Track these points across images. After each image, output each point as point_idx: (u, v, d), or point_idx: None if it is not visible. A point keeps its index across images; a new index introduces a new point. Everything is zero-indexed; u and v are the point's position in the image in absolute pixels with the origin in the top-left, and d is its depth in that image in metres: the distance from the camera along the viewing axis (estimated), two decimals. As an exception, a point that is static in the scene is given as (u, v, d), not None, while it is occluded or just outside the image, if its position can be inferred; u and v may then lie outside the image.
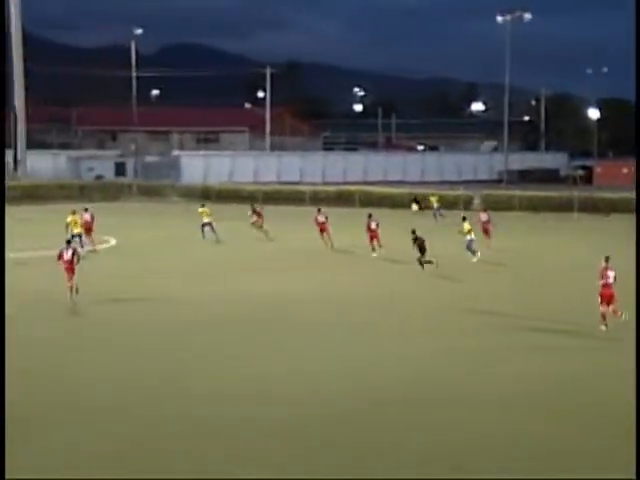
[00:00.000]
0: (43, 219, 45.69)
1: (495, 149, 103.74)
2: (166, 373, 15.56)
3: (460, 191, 55.86)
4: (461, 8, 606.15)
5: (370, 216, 32.12)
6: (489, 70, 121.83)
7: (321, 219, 33.45)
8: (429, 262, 27.14)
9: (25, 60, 66.88)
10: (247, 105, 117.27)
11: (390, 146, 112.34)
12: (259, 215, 37.49)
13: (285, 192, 60.42)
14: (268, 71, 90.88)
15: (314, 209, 36.27)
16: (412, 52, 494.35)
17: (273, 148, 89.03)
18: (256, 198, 58.37)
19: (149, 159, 78.25)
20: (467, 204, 53.19)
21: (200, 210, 36.47)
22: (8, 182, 62.81)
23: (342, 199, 56.12)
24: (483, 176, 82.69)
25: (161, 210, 55.15)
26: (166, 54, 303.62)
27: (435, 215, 45.57)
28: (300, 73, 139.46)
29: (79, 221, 32.12)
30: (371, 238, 31.35)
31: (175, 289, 24.39)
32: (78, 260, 22.54)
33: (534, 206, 52.10)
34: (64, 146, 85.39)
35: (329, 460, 11.34)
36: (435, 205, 46.89)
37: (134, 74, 76.20)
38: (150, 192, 64.46)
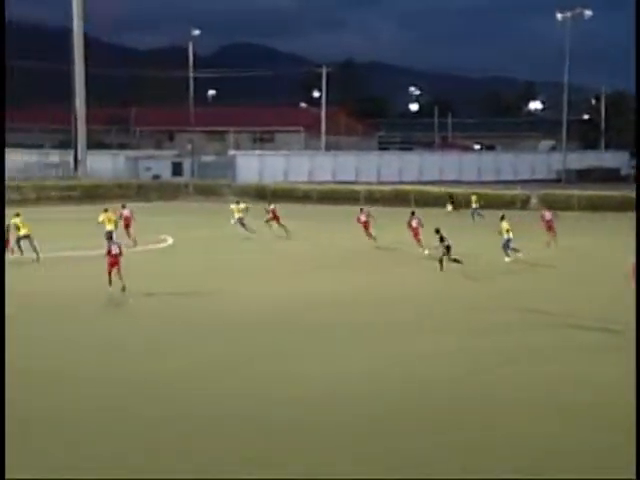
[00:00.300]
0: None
1: (553, 148, 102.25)
2: (201, 371, 15.61)
3: (517, 191, 55.21)
4: (518, 6, 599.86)
5: (413, 214, 32.48)
6: (547, 68, 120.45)
7: (363, 218, 34.13)
8: (455, 260, 27.02)
9: (86, 62, 67.98)
10: (302, 105, 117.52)
11: (446, 145, 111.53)
12: (274, 215, 37.72)
13: (340, 192, 60.35)
14: (324, 70, 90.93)
15: (369, 209, 36.49)
16: (468, 51, 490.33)
17: (328, 147, 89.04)
18: (311, 197, 58.48)
19: (205, 159, 78.90)
20: (524, 204, 52.57)
21: (233, 207, 36.86)
22: (69, 182, 64.11)
23: (397, 199, 55.82)
24: (540, 176, 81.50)
25: (217, 209, 55.34)
26: (223, 54, 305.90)
27: (473, 215, 44.71)
28: (355, 72, 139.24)
29: (112, 218, 32.71)
30: (415, 236, 31.55)
31: (226, 288, 24.43)
32: (121, 253, 23.33)
33: (593, 205, 51.16)
34: (123, 146, 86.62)
35: (356, 462, 11.24)
36: (474, 205, 45.99)
37: (191, 75, 76.92)
38: (206, 191, 64.98)
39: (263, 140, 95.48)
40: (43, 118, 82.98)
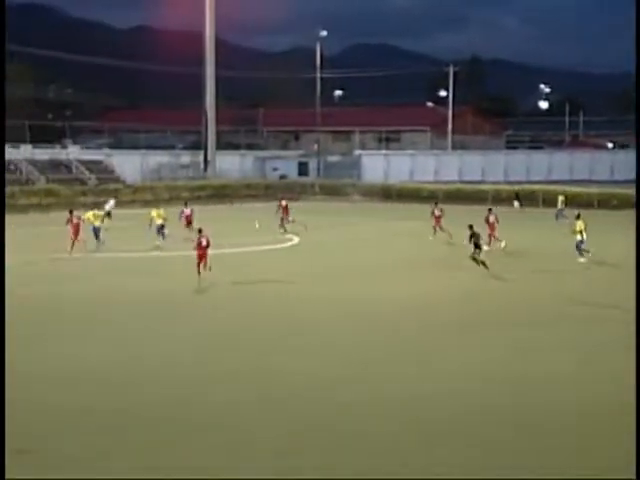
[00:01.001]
0: (230, 217, 47.40)
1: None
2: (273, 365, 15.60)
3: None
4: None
5: (490, 210, 33.45)
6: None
7: (437, 213, 36.29)
8: (483, 264, 26.31)
9: (216, 65, 69.60)
10: (429, 104, 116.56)
11: (577, 144, 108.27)
12: (285, 210, 39.20)
13: (467, 191, 59.55)
14: (451, 69, 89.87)
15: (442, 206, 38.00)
16: (596, 46, 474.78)
17: (455, 147, 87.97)
18: (436, 197, 57.91)
19: (331, 158, 79.39)
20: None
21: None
22: (199, 182, 65.80)
23: (525, 198, 54.61)
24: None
25: (342, 209, 55.77)
26: (349, 54, 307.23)
27: (557, 216, 43.16)
28: (481, 70, 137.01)
29: (162, 214, 34.45)
30: (490, 231, 32.31)
31: (339, 288, 24.44)
32: (209, 245, 24.74)
33: None
34: (251, 147, 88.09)
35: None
36: (559, 205, 44.42)
37: (318, 75, 77.49)
38: (331, 191, 65.39)
39: (389, 140, 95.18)
40: (176, 120, 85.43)
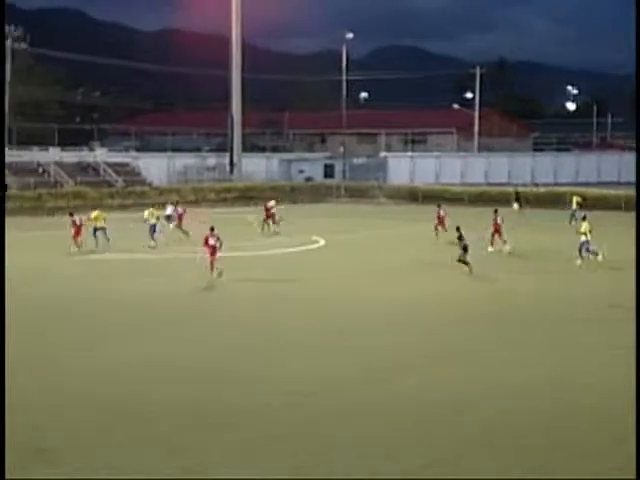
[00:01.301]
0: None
1: None
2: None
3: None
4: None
5: (496, 211, 33.52)
6: None
7: (442, 213, 37.55)
8: (467, 264, 26.68)
9: (243, 67, 69.91)
10: (455, 106, 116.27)
11: (605, 146, 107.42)
12: (268, 213, 40.00)
13: (492, 194, 59.30)
14: (477, 71, 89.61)
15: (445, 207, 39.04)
16: (623, 47, 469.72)
17: (481, 149, 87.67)
18: (462, 199, 57.76)
19: (357, 161, 79.45)
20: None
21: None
22: (225, 185, 66.14)
23: (551, 201, 54.33)
24: None
25: (368, 211, 55.77)
26: (376, 57, 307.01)
27: (571, 218, 42.03)
28: (509, 72, 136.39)
29: (155, 213, 35.37)
30: (494, 232, 32.57)
31: (359, 290, 24.46)
32: (221, 245, 25.28)
33: None
34: (276, 149, 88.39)
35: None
36: (574, 206, 43.71)
37: (344, 78, 77.56)
38: (357, 193, 65.42)
39: (415, 142, 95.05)
40: (202, 122, 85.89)
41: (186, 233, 36.50)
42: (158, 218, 35.47)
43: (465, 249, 27.11)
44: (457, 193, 59.96)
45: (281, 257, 32.39)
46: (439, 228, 36.81)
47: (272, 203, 41.36)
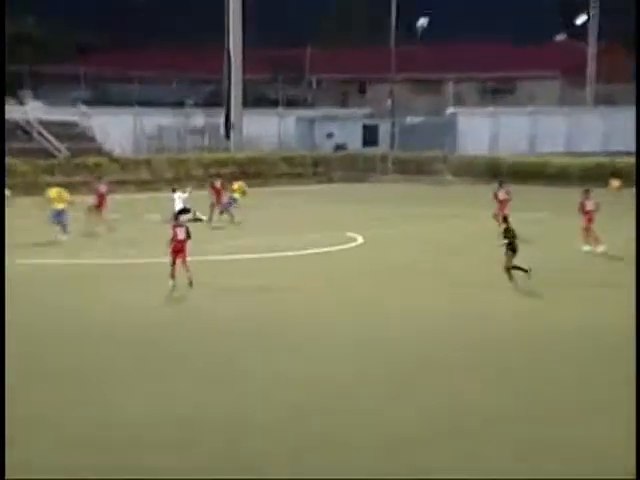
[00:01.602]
0: (264, 206, 47.66)
1: None
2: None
3: None
4: None
5: (587, 192, 33.50)
6: None
7: (502, 196, 39.72)
8: (520, 269, 26.41)
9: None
10: (559, 37, 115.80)
11: None
12: (217, 192, 42.16)
13: (612, 167, 59.06)
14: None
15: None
16: None
17: (598, 102, 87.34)
18: (569, 176, 57.52)
19: (411, 120, 79.52)
20: None
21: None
22: (218, 155, 66.38)
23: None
24: None
25: (427, 194, 55.84)
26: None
27: None
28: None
29: (65, 196, 36.64)
30: (587, 223, 32.55)
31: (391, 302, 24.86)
32: (189, 237, 26.09)
33: None
34: (293, 103, 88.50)
35: None
36: None
37: (392, -3, 77.72)
38: (412, 168, 65.61)
39: (498, 92, 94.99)
40: (184, 65, 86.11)
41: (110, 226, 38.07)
42: (69, 202, 36.45)
43: (513, 249, 26.61)
44: (561, 167, 59.91)
45: (298, 260, 32.49)
46: (499, 217, 36.24)
47: (220, 183, 43.49)
